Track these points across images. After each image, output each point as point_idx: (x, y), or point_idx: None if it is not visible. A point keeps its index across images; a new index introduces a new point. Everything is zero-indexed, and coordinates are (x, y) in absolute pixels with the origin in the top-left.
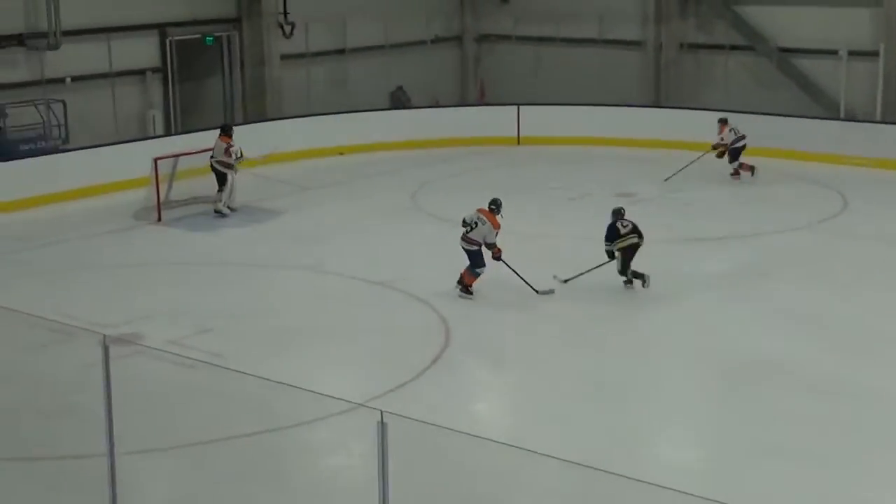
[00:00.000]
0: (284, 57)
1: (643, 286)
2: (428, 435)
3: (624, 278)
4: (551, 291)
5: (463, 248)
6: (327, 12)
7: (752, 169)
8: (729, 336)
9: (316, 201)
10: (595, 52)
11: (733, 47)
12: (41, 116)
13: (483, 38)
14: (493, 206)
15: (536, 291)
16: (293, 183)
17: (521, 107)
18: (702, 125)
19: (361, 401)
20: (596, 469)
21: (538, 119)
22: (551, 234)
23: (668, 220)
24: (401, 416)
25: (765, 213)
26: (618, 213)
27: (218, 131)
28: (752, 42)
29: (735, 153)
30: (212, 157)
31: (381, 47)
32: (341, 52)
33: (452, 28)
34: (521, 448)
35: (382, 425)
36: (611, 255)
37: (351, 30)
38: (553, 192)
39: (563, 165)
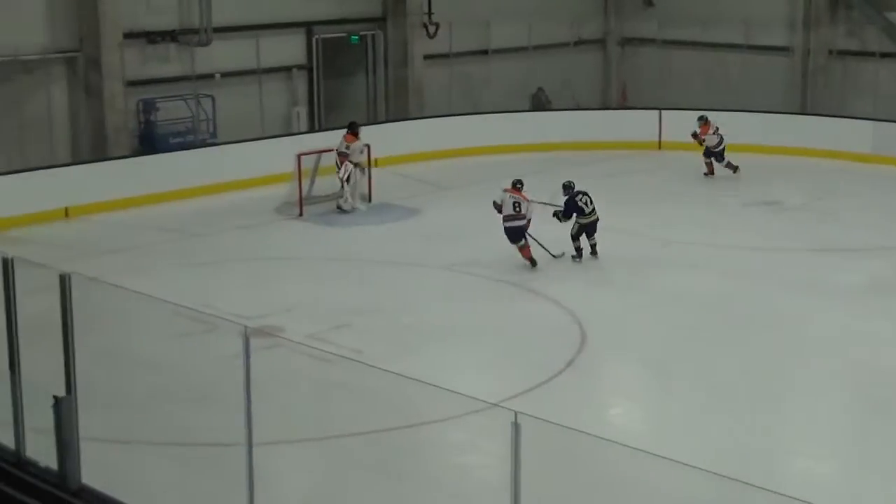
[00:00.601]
0: (427, 57)
1: (592, 256)
2: (562, 437)
3: (573, 254)
4: (563, 254)
5: (511, 227)
6: (471, 13)
7: (735, 168)
8: (872, 350)
9: (454, 201)
10: (740, 57)
11: (884, 55)
12: (191, 111)
13: (626, 42)
14: (519, 185)
15: (553, 256)
16: (432, 182)
17: (662, 111)
18: (849, 134)
19: (495, 401)
20: (731, 479)
21: (680, 124)
22: (687, 241)
23: (813, 229)
24: (535, 417)
25: None
26: (569, 188)
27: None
28: None
29: (721, 155)
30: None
31: (523, 49)
32: (484, 52)
33: (595, 31)
34: (654, 454)
35: (516, 426)
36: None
37: (494, 31)
38: (693, 199)
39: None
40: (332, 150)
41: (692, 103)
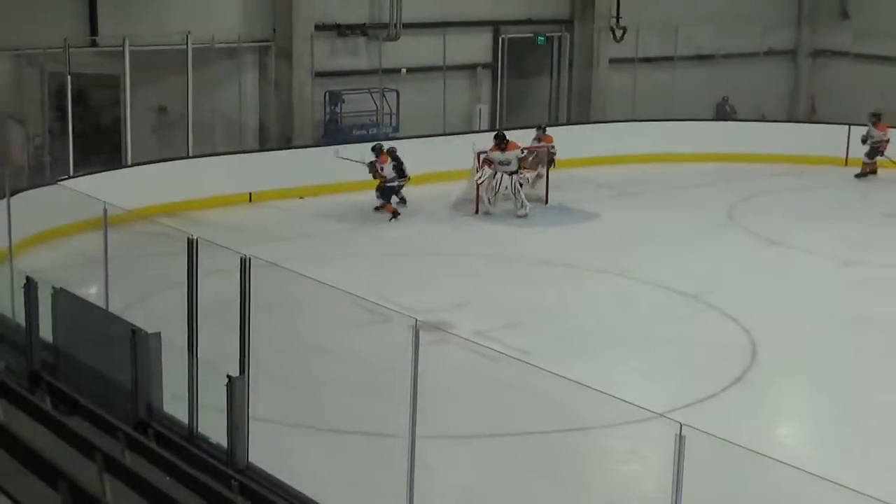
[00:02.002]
0: (613, 61)
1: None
2: (726, 453)
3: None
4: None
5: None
6: (660, 18)
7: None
8: None
9: (632, 207)
10: None
11: None
12: (375, 104)
13: (818, 54)
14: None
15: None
16: (611, 187)
17: (851, 126)
18: None
19: (660, 411)
20: None
21: None
22: (870, 262)
23: None
24: (700, 430)
25: None
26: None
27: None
28: None
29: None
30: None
31: (710, 57)
32: (670, 59)
33: (787, 41)
34: (824, 478)
35: (681, 438)
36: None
37: (682, 37)
38: (878, 219)
39: (893, 191)
40: (520, 147)
41: (886, 120)
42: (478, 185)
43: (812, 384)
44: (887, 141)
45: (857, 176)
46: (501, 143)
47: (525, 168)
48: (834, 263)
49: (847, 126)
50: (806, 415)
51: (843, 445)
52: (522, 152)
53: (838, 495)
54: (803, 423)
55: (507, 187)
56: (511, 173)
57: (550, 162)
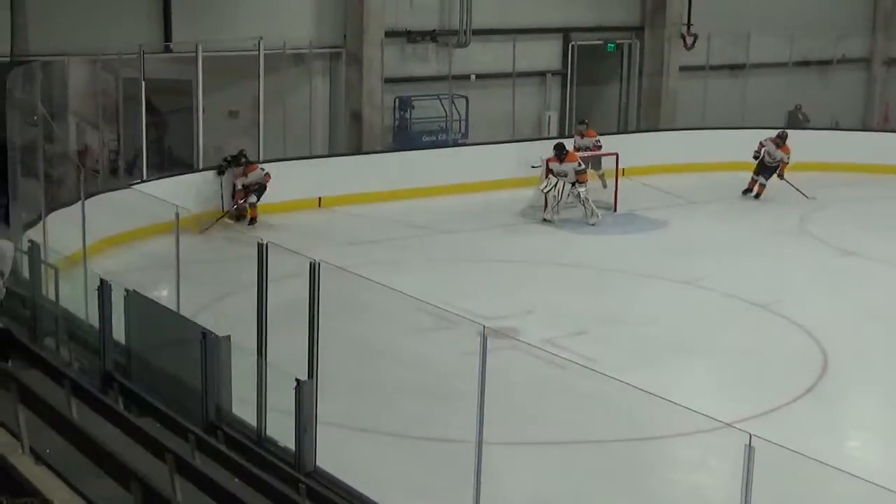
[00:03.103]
0: (683, 68)
1: None
2: (796, 465)
3: None
4: None
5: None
6: (731, 25)
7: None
8: None
9: (701, 215)
10: None
11: None
12: (444, 110)
13: (893, 62)
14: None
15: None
16: (680, 195)
17: None
18: None
19: (728, 421)
20: None
21: None
22: None
23: None
24: (770, 441)
25: None
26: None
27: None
28: None
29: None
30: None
31: (783, 64)
32: (741, 66)
33: (861, 49)
34: (889, 490)
35: (750, 448)
36: None
37: (754, 44)
38: None
39: None
40: (581, 156)
41: None
42: (545, 194)
43: (883, 397)
44: (786, 164)
45: (745, 192)
46: (560, 153)
47: (584, 180)
48: None
49: None
50: (876, 428)
51: None
52: (580, 164)
53: None
54: (873, 436)
55: (569, 196)
56: (571, 183)
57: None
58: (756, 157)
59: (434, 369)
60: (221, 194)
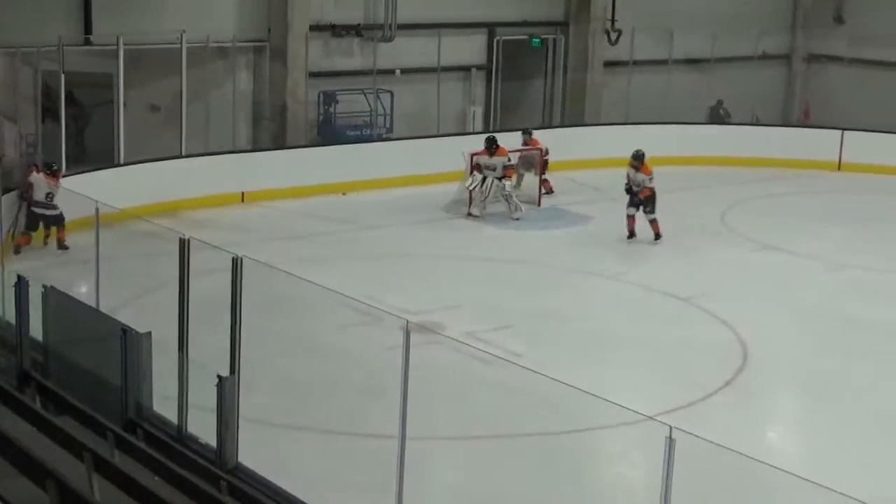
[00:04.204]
0: (607, 63)
1: None
2: (715, 456)
3: None
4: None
5: None
6: (655, 21)
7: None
8: None
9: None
10: None
11: None
12: (369, 105)
13: (813, 58)
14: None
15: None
16: (605, 190)
17: (845, 132)
18: None
19: (650, 414)
20: None
21: (863, 146)
22: (861, 266)
23: None
24: (690, 433)
25: None
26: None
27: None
28: None
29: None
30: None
31: (705, 60)
32: (664, 62)
33: (781, 46)
34: (811, 481)
35: (671, 440)
36: None
37: (677, 41)
38: (869, 224)
39: (884, 196)
40: (508, 154)
41: (878, 125)
42: (469, 190)
43: (801, 389)
44: (650, 187)
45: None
46: (491, 146)
47: (510, 175)
48: (826, 268)
49: (840, 131)
50: (795, 418)
51: (831, 448)
52: (509, 159)
53: (825, 497)
54: (792, 427)
55: (495, 192)
56: (499, 178)
57: (544, 165)
58: (628, 191)
59: (359, 364)
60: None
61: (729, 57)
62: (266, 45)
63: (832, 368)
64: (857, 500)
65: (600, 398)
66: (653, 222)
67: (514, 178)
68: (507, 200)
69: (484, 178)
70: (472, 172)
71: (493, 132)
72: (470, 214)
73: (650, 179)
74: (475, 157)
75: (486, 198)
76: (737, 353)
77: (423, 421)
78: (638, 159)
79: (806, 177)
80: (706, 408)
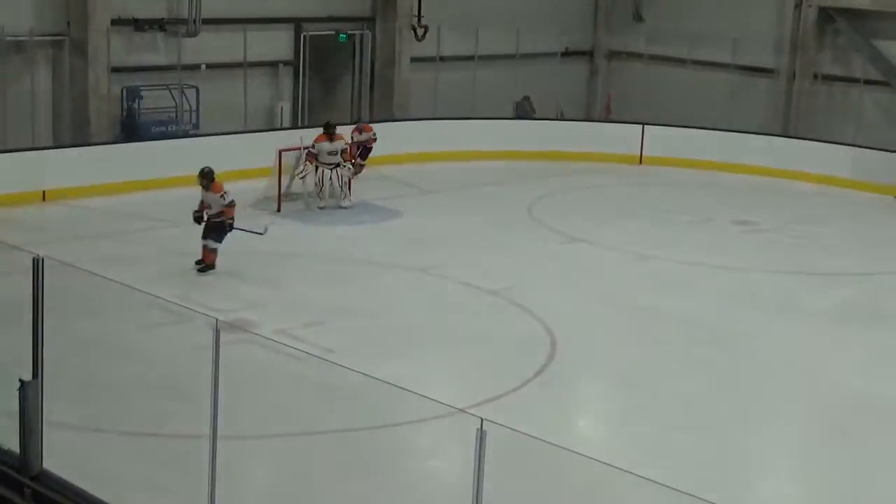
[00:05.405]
0: (415, 59)
1: None
2: (526, 446)
3: None
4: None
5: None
6: (460, 18)
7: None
8: (842, 375)
9: (434, 205)
10: (727, 76)
11: (868, 82)
12: (174, 101)
13: (614, 55)
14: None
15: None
16: (413, 185)
17: (645, 126)
18: (831, 158)
19: (462, 406)
20: (693, 496)
21: (663, 140)
22: (662, 257)
23: (788, 252)
24: (501, 424)
25: (888, 253)
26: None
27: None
28: (888, 78)
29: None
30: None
31: (510, 56)
32: (470, 58)
33: (584, 42)
34: (618, 468)
35: (482, 433)
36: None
37: (482, 37)
38: (670, 216)
39: (683, 189)
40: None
41: (677, 120)
42: (301, 179)
43: (608, 379)
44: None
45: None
46: (330, 131)
47: (348, 160)
48: (629, 258)
49: (641, 125)
50: (602, 406)
51: (638, 435)
52: (346, 144)
53: (631, 483)
54: (600, 415)
55: (331, 180)
56: (335, 165)
57: (368, 150)
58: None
59: (168, 365)
60: None
61: (534, 53)
62: (66, 39)
63: (635, 355)
64: (663, 484)
65: (412, 392)
66: (211, 250)
67: (353, 165)
68: (342, 187)
69: (316, 168)
70: (306, 161)
71: (302, 128)
72: (278, 209)
73: (223, 197)
74: (313, 147)
75: (322, 188)
76: (545, 344)
77: (235, 420)
78: (206, 177)
79: (609, 170)
80: (517, 399)
